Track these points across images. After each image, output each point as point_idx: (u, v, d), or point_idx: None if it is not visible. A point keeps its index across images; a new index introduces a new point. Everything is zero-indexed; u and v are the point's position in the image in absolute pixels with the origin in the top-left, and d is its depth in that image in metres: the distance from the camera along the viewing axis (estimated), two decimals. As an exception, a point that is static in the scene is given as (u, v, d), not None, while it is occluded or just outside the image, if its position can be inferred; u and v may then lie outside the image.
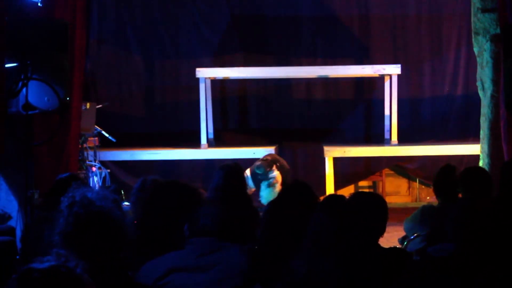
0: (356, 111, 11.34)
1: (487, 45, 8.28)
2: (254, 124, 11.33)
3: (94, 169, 9.21)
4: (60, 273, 2.17)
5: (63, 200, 3.00)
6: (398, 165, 11.21)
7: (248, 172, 8.55)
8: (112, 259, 2.93)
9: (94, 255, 2.82)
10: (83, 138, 8.92)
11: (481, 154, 8.56)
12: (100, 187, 8.58)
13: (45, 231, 4.13)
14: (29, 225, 5.21)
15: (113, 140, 9.70)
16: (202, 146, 10.05)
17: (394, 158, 10.65)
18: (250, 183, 8.47)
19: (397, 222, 6.50)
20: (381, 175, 11.23)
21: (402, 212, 8.65)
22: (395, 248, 4.27)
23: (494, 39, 8.18)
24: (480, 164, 8.38)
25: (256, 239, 4.27)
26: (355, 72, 10.43)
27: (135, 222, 4.15)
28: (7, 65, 6.26)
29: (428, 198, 11.13)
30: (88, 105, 9.09)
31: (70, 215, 2.92)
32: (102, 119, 9.86)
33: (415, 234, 5.48)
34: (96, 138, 9.53)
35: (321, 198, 4.25)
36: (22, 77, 5.81)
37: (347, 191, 10.35)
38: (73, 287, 2.17)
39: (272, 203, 4.26)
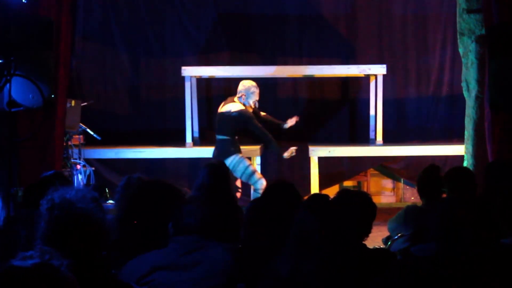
0: (342, 111, 11.35)
1: (472, 46, 8.31)
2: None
3: (78, 167, 9.18)
4: (45, 272, 2.14)
5: (43, 203, 2.97)
6: (383, 165, 11.23)
7: None
8: (94, 258, 2.91)
9: (76, 255, 2.80)
10: (67, 135, 8.89)
11: (465, 155, 8.59)
12: (79, 186, 8.53)
13: (23, 230, 4.10)
14: (6, 223, 5.18)
15: (98, 138, 9.67)
16: (187, 145, 10.03)
17: (379, 158, 10.67)
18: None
19: (381, 222, 6.51)
20: (366, 175, 11.25)
21: (386, 212, 8.67)
22: (379, 248, 4.28)
23: (479, 40, 8.21)
24: (465, 164, 8.41)
25: (240, 238, 4.26)
26: (341, 72, 10.43)
27: (135, 222, 4.11)
28: (-10, 62, 6.23)
29: (412, 198, 11.15)
30: (73, 102, 9.06)
31: (50, 219, 2.90)
32: (87, 116, 9.83)
33: (399, 234, 5.49)
34: (81, 136, 9.49)
35: (305, 197, 4.25)
36: (5, 73, 5.77)
37: (331, 191, 10.36)
38: (57, 286, 2.15)
39: (255, 201, 4.26)
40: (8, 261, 2.18)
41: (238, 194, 8.49)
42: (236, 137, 8.54)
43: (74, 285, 2.20)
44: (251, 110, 8.54)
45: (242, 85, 8.58)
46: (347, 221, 3.76)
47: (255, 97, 8.57)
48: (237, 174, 8.37)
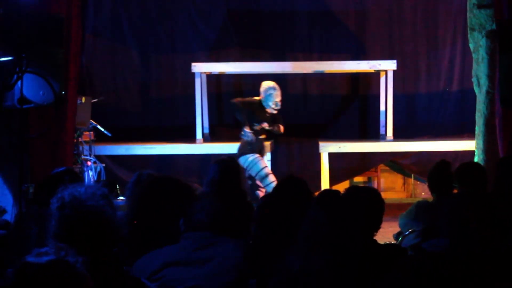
0: (352, 107, 11.33)
1: (482, 41, 8.29)
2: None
3: (89, 163, 9.20)
4: (60, 269, 2.14)
5: (53, 201, 2.97)
6: (393, 160, 11.21)
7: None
8: (105, 254, 2.91)
9: (87, 252, 2.80)
10: (78, 132, 8.91)
11: (476, 150, 8.57)
12: (89, 183, 8.54)
13: (35, 227, 4.12)
14: (18, 220, 5.19)
15: (108, 134, 9.69)
16: (197, 141, 10.04)
17: (389, 153, 10.65)
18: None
19: (392, 218, 6.50)
20: (376, 171, 11.23)
21: (397, 207, 8.66)
22: (390, 244, 4.27)
23: (489, 35, 8.18)
24: (475, 160, 8.39)
25: (251, 233, 4.26)
26: (351, 68, 10.42)
27: (135, 222, 4.12)
28: (1, 59, 6.25)
29: (423, 194, 11.13)
30: (83, 99, 9.08)
31: (61, 217, 2.90)
32: (97, 113, 9.84)
33: (410, 230, 5.48)
34: (91, 132, 9.52)
35: (316, 193, 4.25)
36: (17, 70, 5.80)
37: (342, 186, 10.35)
38: (73, 283, 2.15)
39: (266, 197, 4.26)
40: (22, 258, 2.18)
41: (261, 193, 8.52)
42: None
43: (88, 282, 2.20)
44: (275, 111, 8.61)
45: (261, 86, 8.71)
46: (356, 217, 3.76)
47: (274, 98, 8.59)
48: (252, 173, 8.47)
